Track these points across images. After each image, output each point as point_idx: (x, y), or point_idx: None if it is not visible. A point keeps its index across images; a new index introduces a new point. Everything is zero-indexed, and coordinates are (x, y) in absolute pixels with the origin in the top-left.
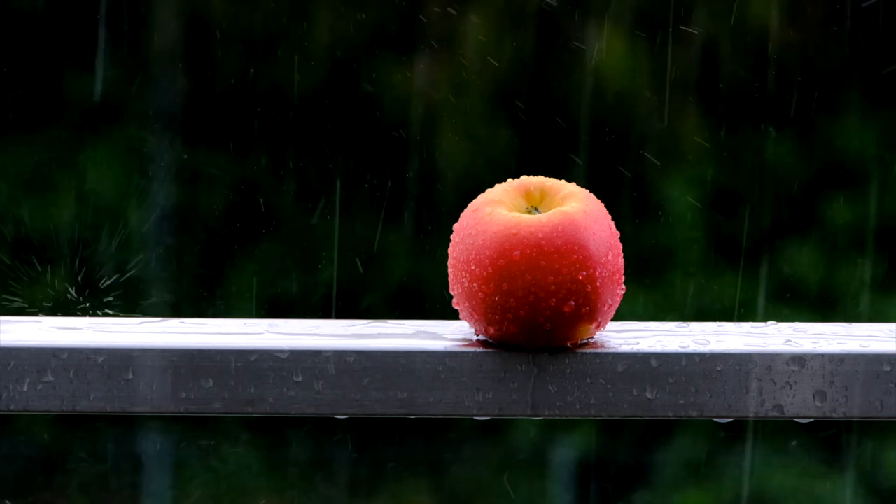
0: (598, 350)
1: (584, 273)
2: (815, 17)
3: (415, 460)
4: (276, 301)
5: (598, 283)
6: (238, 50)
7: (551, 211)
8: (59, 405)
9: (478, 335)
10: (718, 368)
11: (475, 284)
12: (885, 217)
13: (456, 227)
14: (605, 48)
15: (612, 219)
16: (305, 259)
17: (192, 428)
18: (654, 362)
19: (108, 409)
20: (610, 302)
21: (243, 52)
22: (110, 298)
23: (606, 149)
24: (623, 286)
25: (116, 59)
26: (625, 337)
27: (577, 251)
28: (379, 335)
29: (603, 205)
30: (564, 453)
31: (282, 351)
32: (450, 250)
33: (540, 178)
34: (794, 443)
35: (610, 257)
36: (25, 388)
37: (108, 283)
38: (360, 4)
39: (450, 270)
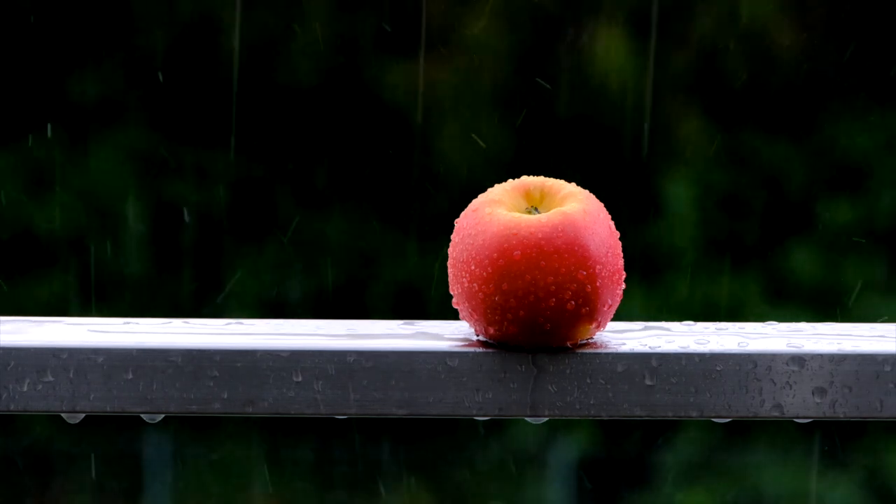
0: (598, 350)
1: (584, 273)
2: (816, 17)
3: (415, 460)
4: (275, 301)
5: (598, 283)
6: (238, 48)
7: (551, 211)
8: (59, 405)
9: (478, 335)
10: (718, 368)
11: (475, 284)
12: (884, 217)
13: (456, 227)
14: (606, 48)
15: (612, 219)
16: (305, 259)
17: (192, 428)
18: (654, 362)
19: (108, 409)
20: (610, 302)
21: (243, 51)
22: (110, 298)
23: (606, 149)
24: (623, 286)
25: (116, 58)
26: (625, 337)
27: (577, 251)
28: (379, 335)
29: (603, 205)
30: (564, 453)
31: (282, 351)
32: (450, 250)
33: (540, 178)
34: (794, 443)
35: (610, 257)
36: (25, 388)
37: (108, 282)
38: (361, 4)
39: (450, 270)
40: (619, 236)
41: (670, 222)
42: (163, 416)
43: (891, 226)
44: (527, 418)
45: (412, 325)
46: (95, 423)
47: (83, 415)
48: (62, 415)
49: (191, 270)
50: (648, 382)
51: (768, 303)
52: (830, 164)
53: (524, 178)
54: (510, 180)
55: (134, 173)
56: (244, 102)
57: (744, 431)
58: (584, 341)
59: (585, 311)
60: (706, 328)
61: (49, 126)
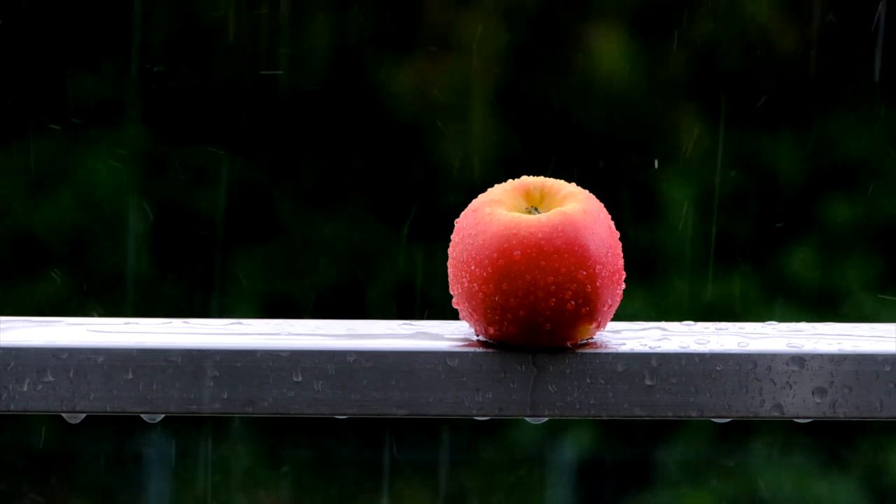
0: (598, 350)
1: (584, 273)
2: (815, 16)
3: (415, 460)
4: (276, 301)
5: (597, 283)
6: (238, 48)
7: (551, 211)
8: (59, 405)
9: (478, 335)
10: (718, 368)
11: (475, 284)
12: (884, 217)
13: (456, 227)
14: (605, 48)
15: (612, 219)
16: (305, 259)
17: (192, 428)
18: (654, 362)
19: (108, 409)
20: (610, 302)
21: (243, 50)
22: (110, 298)
23: (606, 149)
24: (623, 286)
25: (115, 58)
26: (625, 337)
27: (577, 251)
28: (379, 335)
29: (603, 205)
30: (564, 453)
31: (282, 351)
32: (450, 250)
33: (540, 178)
34: (794, 443)
35: (610, 257)
36: (25, 388)
37: (108, 283)
38: (361, 3)
39: (450, 270)
40: (619, 236)
41: (670, 222)
42: (163, 416)
43: (890, 226)
44: (527, 418)
45: (412, 325)
46: (95, 423)
47: (84, 415)
48: (63, 415)
49: (191, 270)
50: (648, 382)
51: (768, 303)
52: (830, 163)
53: (524, 178)
54: (510, 180)
55: (134, 173)
56: (244, 102)
57: (744, 431)
58: (584, 341)
59: (585, 311)
60: (706, 328)
61: (49, 126)
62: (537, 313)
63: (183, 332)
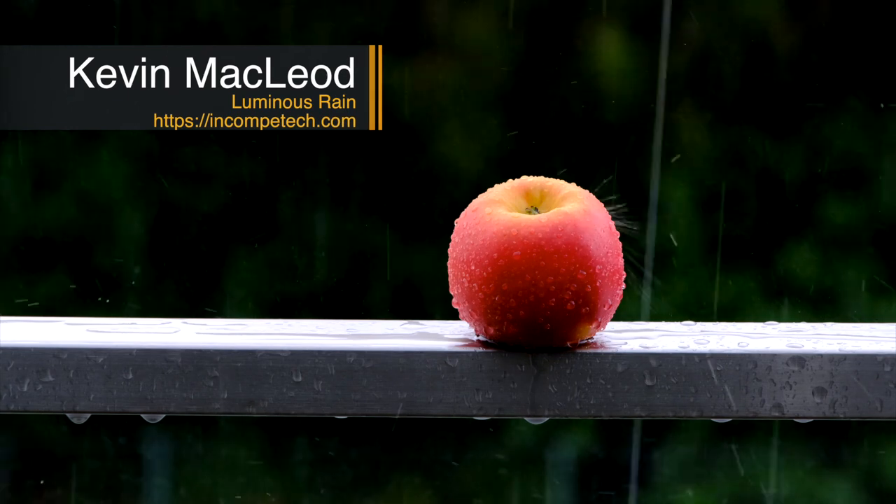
0: (598, 350)
1: (584, 273)
2: (816, 16)
3: (415, 460)
4: (275, 301)
5: (597, 283)
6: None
7: (551, 211)
8: (59, 405)
9: (478, 335)
10: (718, 368)
11: (475, 284)
12: (884, 217)
13: (456, 227)
14: (605, 48)
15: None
16: (305, 259)
17: (192, 428)
18: (654, 362)
19: (108, 409)
20: (610, 302)
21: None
22: (109, 298)
23: (606, 149)
24: (623, 286)
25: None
26: (625, 337)
27: (577, 251)
28: (379, 335)
29: (603, 205)
30: (564, 453)
31: (282, 351)
32: (450, 250)
33: (540, 178)
34: (793, 443)
35: (610, 257)
36: (25, 388)
37: (108, 283)
38: (359, 3)
39: (450, 270)
40: (618, 236)
41: (670, 222)
42: (163, 416)
43: (891, 226)
44: (527, 418)
45: (412, 325)
46: (95, 423)
47: (88, 415)
48: (67, 415)
49: (191, 271)
50: (648, 382)
51: (768, 303)
52: (830, 163)
53: (524, 178)
54: (510, 180)
55: (134, 173)
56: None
57: (743, 431)
58: (584, 341)
59: (585, 311)
60: (706, 328)
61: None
62: (537, 313)
63: (183, 332)
